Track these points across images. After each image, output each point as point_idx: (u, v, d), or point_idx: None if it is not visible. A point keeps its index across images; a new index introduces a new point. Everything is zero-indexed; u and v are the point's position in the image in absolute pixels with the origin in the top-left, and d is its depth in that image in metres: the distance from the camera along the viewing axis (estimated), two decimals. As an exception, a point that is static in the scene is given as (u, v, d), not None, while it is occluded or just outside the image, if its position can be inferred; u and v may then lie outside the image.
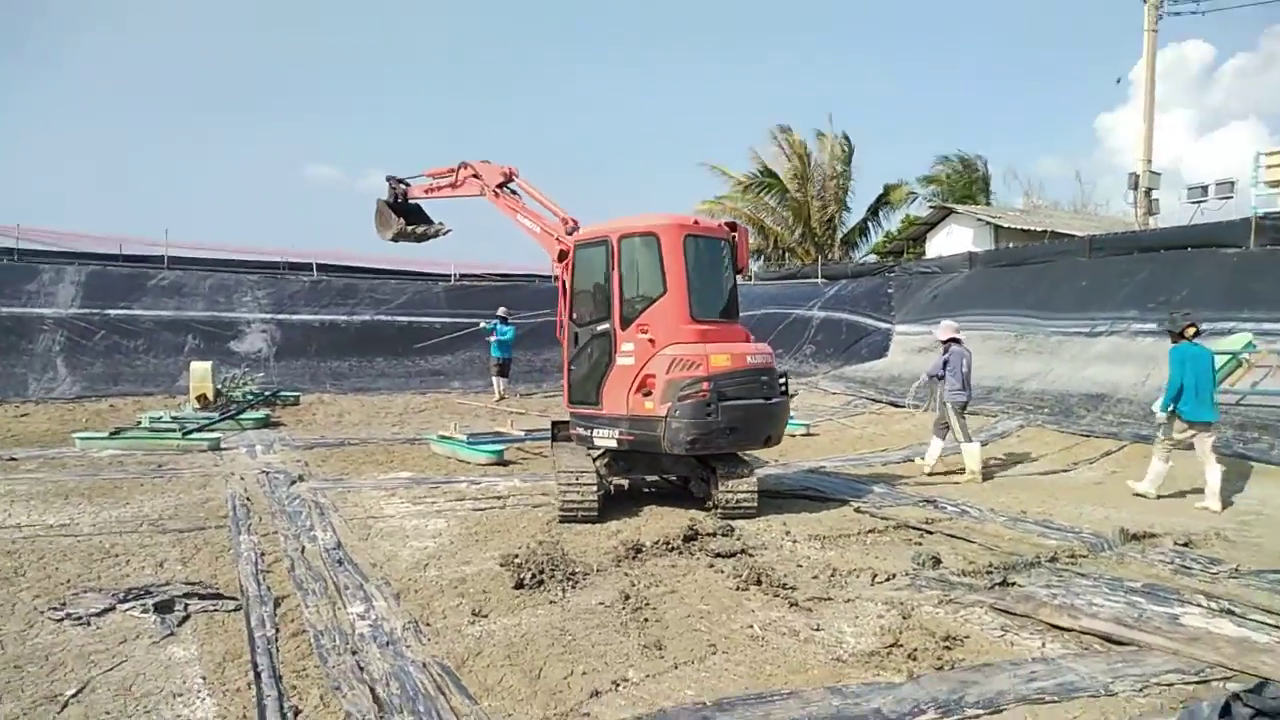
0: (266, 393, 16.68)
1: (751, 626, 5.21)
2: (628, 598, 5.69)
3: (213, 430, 13.29)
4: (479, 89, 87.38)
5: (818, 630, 5.18)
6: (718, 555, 6.84)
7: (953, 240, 28.38)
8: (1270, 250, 13.61)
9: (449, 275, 23.14)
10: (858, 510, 8.70)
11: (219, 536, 7.55)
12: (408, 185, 11.48)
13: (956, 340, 11.36)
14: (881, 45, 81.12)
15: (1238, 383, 11.21)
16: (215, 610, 5.55)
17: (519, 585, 5.98)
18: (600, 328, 9.02)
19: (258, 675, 4.46)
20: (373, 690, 4.30)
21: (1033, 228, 26.36)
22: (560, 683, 4.41)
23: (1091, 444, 11.89)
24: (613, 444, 8.70)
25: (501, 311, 18.93)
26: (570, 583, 6.09)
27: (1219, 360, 11.55)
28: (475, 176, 10.52)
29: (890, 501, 9.13)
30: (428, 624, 5.30)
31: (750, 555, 6.89)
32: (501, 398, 18.68)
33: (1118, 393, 12.91)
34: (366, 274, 22.59)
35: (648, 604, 5.61)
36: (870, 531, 7.80)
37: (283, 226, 76.02)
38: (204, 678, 4.48)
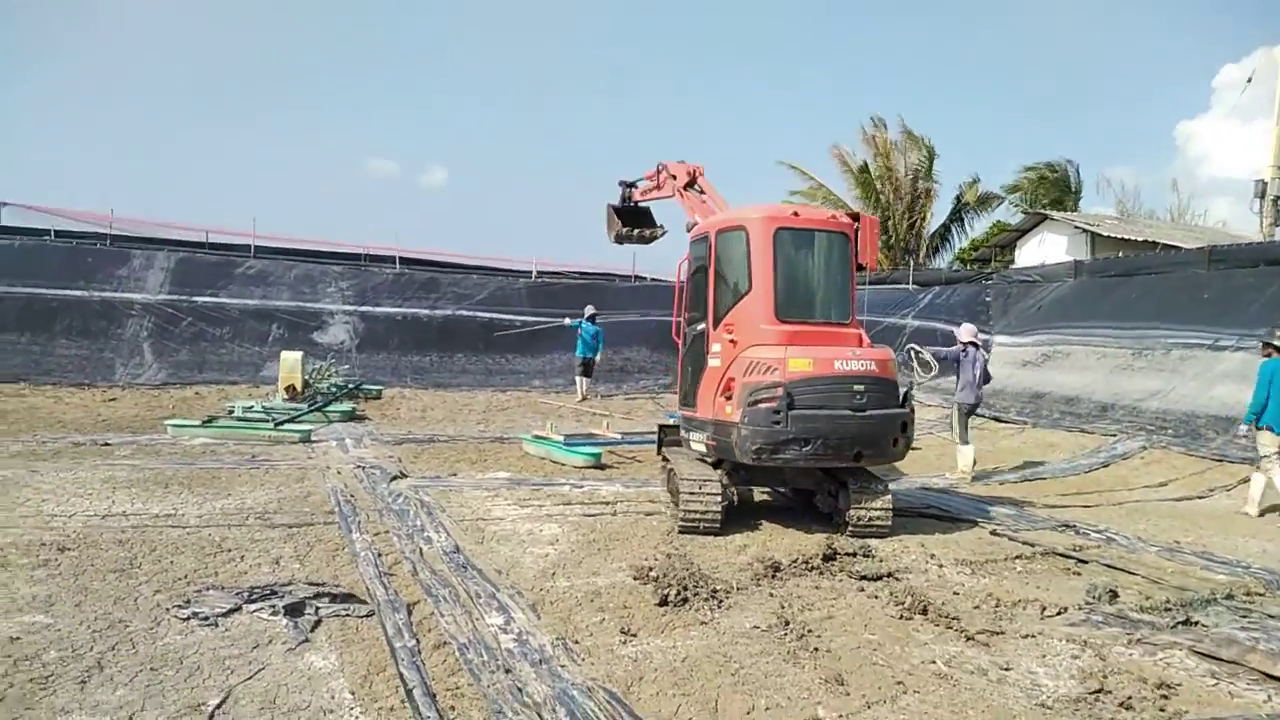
0: (350, 385, 16.54)
1: (934, 662, 4.72)
2: (787, 623, 5.22)
3: (303, 422, 13.12)
4: (542, 88, 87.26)
5: (1007, 669, 4.67)
6: (863, 578, 6.36)
7: (1045, 249, 27.43)
8: None
9: (530, 272, 22.89)
10: (994, 533, 8.13)
11: (329, 534, 7.26)
12: (633, 188, 11.23)
13: (975, 344, 11.38)
14: (954, 52, 79.22)
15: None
16: (347, 615, 5.22)
17: (663, 602, 5.55)
18: (699, 327, 8.78)
19: (409, 693, 4.10)
20: (539, 716, 3.91)
21: (1132, 237, 25.31)
22: (744, 718, 3.98)
23: (1225, 469, 11.14)
24: (701, 449, 8.35)
25: (589, 310, 18.61)
26: (715, 602, 5.66)
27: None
28: (672, 177, 10.20)
29: (1025, 524, 8.54)
30: (576, 641, 4.90)
31: (897, 579, 6.40)
32: (584, 398, 18.35)
33: (1251, 415, 12.09)
34: (449, 268, 22.41)
35: (810, 630, 5.14)
36: (1017, 557, 7.24)
37: (347, 219, 76.87)
38: (352, 693, 4.13)
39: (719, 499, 7.59)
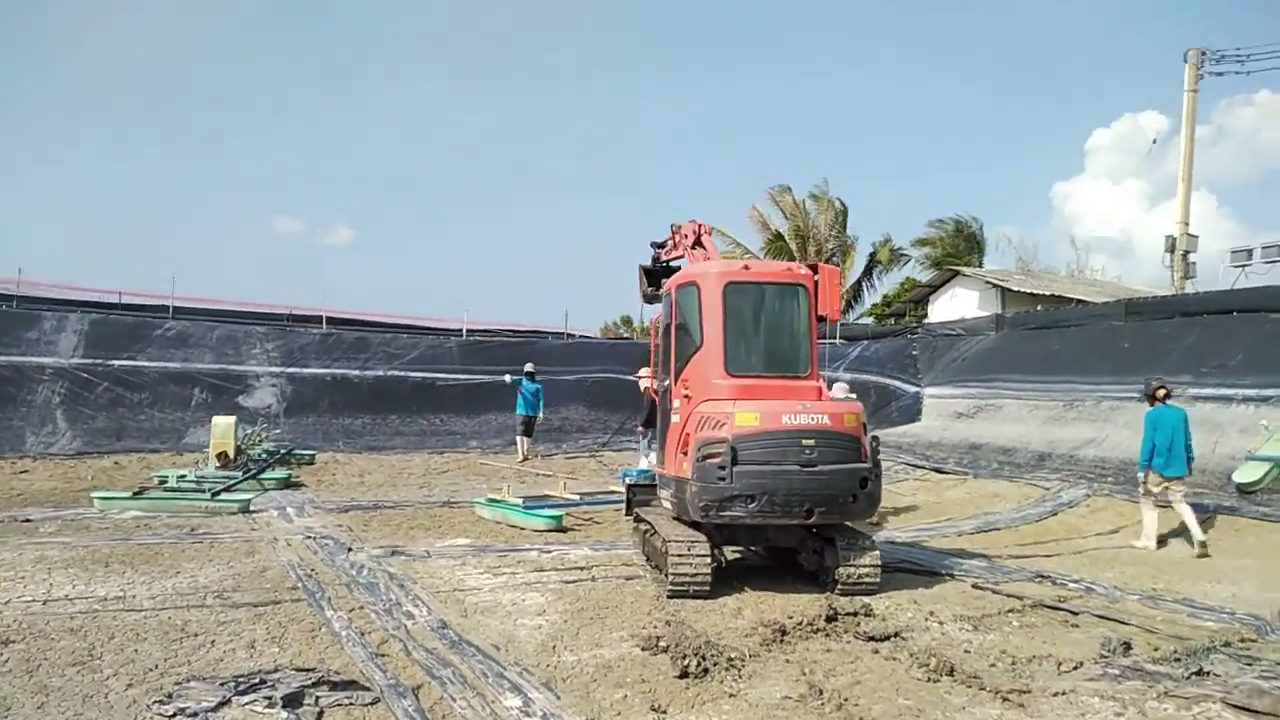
0: (283, 451, 15.83)
1: (986, 728, 4.60)
2: (821, 691, 5.04)
3: (239, 491, 12.45)
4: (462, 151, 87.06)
5: (1055, 732, 4.58)
6: (871, 638, 6.23)
7: (956, 304, 28.27)
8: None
9: (460, 331, 22.47)
10: (975, 586, 8.11)
11: (300, 612, 6.81)
12: (661, 249, 11.06)
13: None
14: (850, 111, 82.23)
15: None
16: (350, 703, 4.83)
17: (683, 674, 5.31)
18: (665, 383, 8.77)
19: (449, 790, 3.77)
20: (600, 811, 3.63)
21: (1041, 291, 26.29)
22: (816, 801, 3.77)
23: (1171, 515, 11.37)
24: (669, 506, 8.28)
25: (529, 367, 18.31)
26: (734, 671, 5.44)
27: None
28: (685, 237, 10.13)
29: (1001, 576, 8.56)
30: (607, 723, 4.62)
31: (904, 639, 6.28)
32: (525, 458, 17.97)
33: (1188, 462, 12.49)
34: (378, 328, 21.85)
35: (845, 699, 4.96)
36: (1009, 611, 7.20)
37: (255, 278, 74.90)
38: (385, 794, 3.78)
39: (709, 561, 7.40)
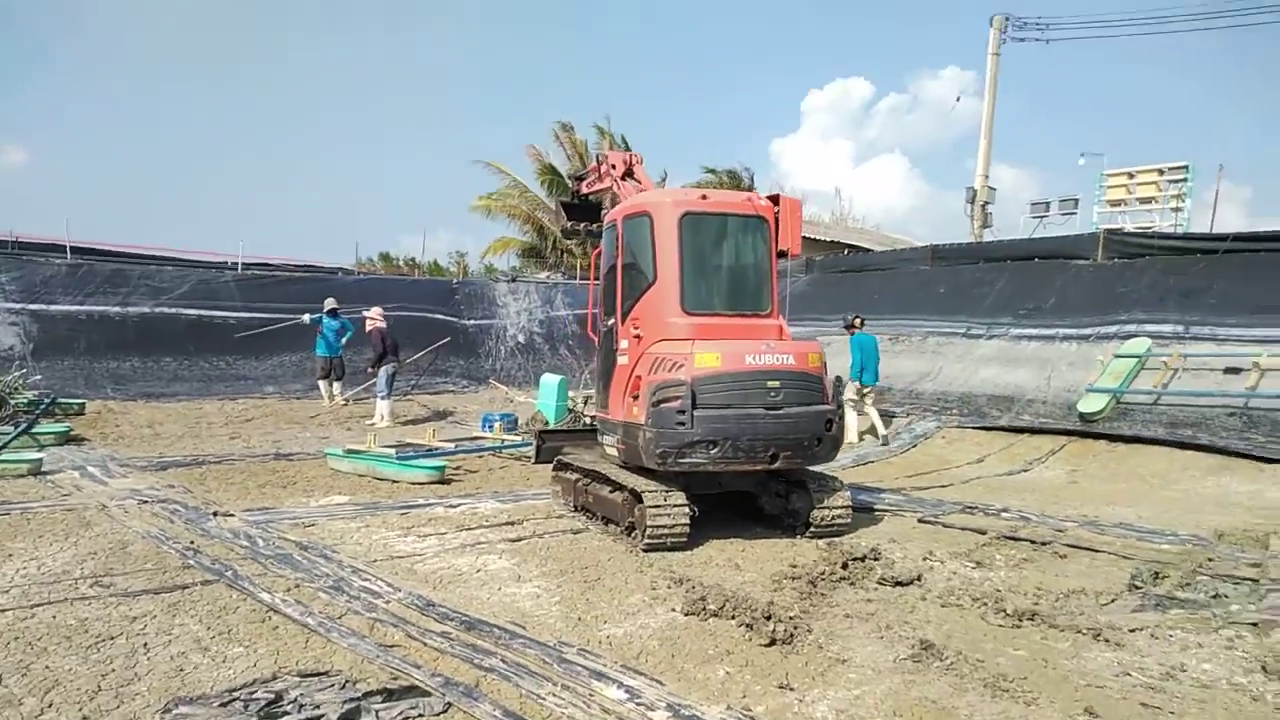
0: (45, 400, 13.20)
1: (1128, 674, 4.34)
2: (939, 650, 4.58)
3: (19, 449, 10.17)
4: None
5: (1183, 670, 4.40)
6: (897, 583, 5.93)
7: (743, 247, 28.89)
8: (1122, 262, 14.71)
9: (234, 264, 19.84)
10: (922, 521, 8.09)
11: (224, 596, 5.47)
12: (581, 182, 9.97)
13: None
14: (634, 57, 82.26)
15: (1157, 384, 11.89)
16: (420, 714, 3.79)
17: (772, 643, 4.68)
18: (609, 322, 8.08)
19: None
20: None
21: (819, 237, 27.50)
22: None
23: (1027, 442, 12.11)
24: (614, 453, 7.69)
25: (330, 304, 16.43)
26: (811, 634, 4.89)
27: (1124, 364, 12.34)
28: (612, 167, 9.04)
29: (933, 510, 8.59)
30: (747, 710, 3.91)
31: (924, 582, 6.02)
32: (333, 399, 16.27)
33: (1025, 394, 13.35)
34: (136, 259, 18.79)
35: (962, 655, 4.54)
36: (984, 546, 7.16)
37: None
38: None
39: (686, 511, 6.77)
